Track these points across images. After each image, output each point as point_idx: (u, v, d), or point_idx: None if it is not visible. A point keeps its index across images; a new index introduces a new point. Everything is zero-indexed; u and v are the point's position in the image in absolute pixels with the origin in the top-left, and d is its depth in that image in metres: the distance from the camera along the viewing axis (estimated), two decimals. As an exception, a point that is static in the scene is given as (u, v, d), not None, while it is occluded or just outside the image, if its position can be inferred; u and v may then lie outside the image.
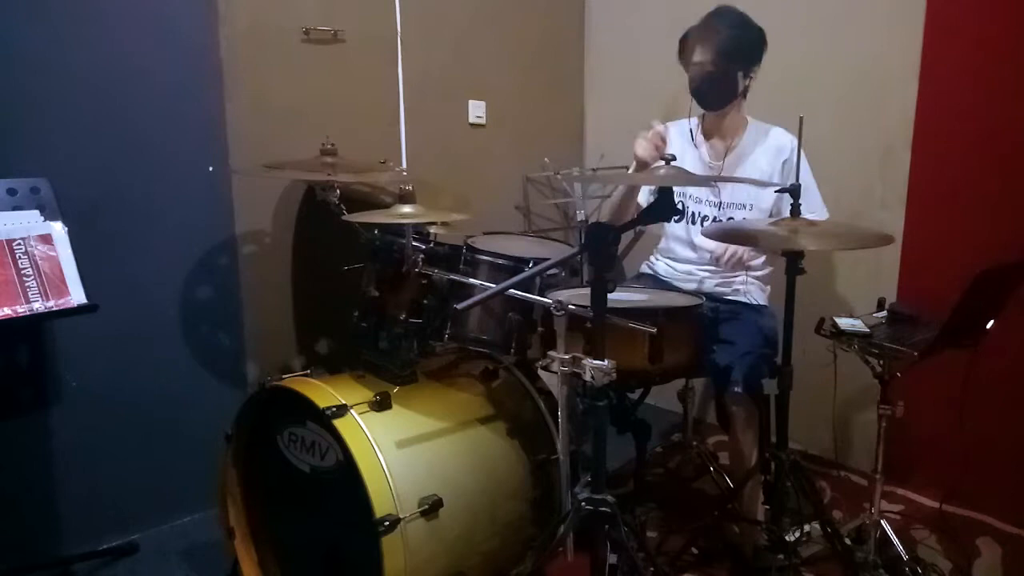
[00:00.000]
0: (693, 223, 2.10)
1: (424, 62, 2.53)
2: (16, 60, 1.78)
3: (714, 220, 2.08)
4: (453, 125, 2.70)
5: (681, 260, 2.15)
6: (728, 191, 2.05)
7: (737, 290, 2.07)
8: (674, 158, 1.36)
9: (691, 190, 2.09)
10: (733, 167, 2.04)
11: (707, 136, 2.10)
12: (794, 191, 1.65)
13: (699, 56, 1.92)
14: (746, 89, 2.00)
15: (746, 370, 1.83)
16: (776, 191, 1.94)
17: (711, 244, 1.99)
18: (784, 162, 2.00)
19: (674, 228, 2.16)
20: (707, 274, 2.09)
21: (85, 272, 1.59)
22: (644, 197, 2.08)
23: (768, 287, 2.12)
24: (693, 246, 2.11)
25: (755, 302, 2.07)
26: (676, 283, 2.13)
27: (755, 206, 2.04)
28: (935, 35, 2.18)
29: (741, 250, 1.92)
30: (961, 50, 2.14)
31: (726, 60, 1.90)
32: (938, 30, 2.17)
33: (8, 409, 1.87)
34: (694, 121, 2.12)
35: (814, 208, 1.94)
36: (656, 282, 2.17)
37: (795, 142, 1.93)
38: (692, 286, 2.08)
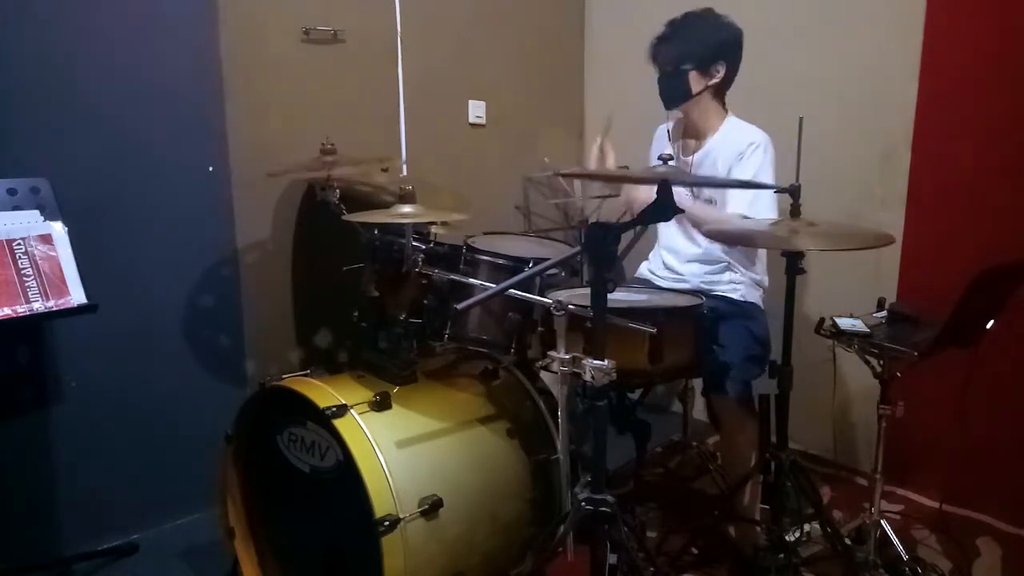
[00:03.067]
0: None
1: (424, 62, 2.53)
2: (16, 60, 1.78)
3: None
4: (453, 125, 2.70)
5: (676, 256, 2.15)
6: (700, 188, 2.07)
7: (724, 284, 2.06)
8: (671, 157, 1.36)
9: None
10: (699, 164, 2.06)
11: (682, 135, 2.13)
12: (794, 192, 1.64)
13: (658, 58, 2.01)
14: (714, 88, 2.00)
15: (734, 374, 1.82)
16: (775, 191, 1.94)
17: (694, 249, 2.04)
18: (740, 155, 1.97)
19: (666, 227, 2.17)
20: (697, 269, 2.09)
21: (85, 272, 1.59)
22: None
23: (761, 289, 2.10)
24: (689, 237, 2.11)
25: (744, 299, 2.04)
26: (664, 283, 2.14)
27: (720, 202, 2.03)
28: (935, 35, 2.18)
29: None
30: (961, 50, 2.14)
31: (676, 61, 1.97)
32: (938, 30, 2.17)
33: (8, 409, 1.87)
34: (672, 122, 2.17)
35: (761, 210, 1.90)
36: (652, 284, 2.17)
37: (765, 139, 1.95)
38: (681, 285, 2.08)
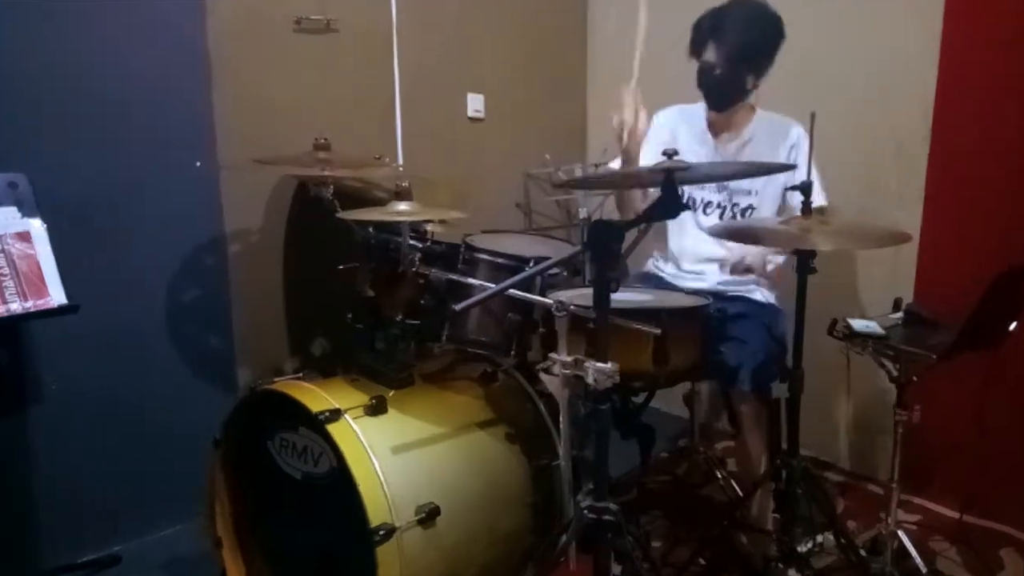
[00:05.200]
0: (695, 209, 2.08)
1: (421, 53, 2.52)
2: (-4, 53, 1.77)
3: (718, 206, 2.06)
4: (451, 119, 2.69)
5: (690, 253, 2.11)
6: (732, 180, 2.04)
7: (744, 286, 2.04)
8: (676, 153, 1.32)
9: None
10: (735, 152, 2.03)
11: (717, 130, 2.07)
12: (806, 188, 1.62)
13: (710, 55, 1.89)
14: (756, 87, 1.98)
15: (755, 368, 1.80)
16: (788, 188, 1.91)
17: (721, 252, 2.00)
18: (792, 147, 1.99)
19: (682, 218, 2.12)
20: (714, 269, 2.06)
21: (67, 271, 1.57)
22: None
23: (775, 289, 2.08)
24: (703, 235, 2.07)
25: (763, 300, 2.05)
26: (681, 281, 2.10)
27: (760, 192, 2.01)
28: (955, 25, 2.14)
29: (750, 259, 1.92)
30: (982, 40, 2.11)
31: (738, 64, 1.88)
32: (958, 19, 2.13)
33: (-16, 413, 1.86)
34: (704, 110, 2.08)
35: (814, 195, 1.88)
36: (660, 282, 2.14)
37: (803, 133, 1.94)
38: (699, 284, 2.05)
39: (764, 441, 1.85)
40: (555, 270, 1.70)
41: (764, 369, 1.82)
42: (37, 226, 1.56)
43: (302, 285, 2.33)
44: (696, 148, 2.02)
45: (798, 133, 1.97)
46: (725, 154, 2.05)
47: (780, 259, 2.00)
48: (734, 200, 2.03)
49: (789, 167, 1.78)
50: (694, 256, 2.09)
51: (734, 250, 1.99)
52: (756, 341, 1.85)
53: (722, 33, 1.87)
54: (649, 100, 1.95)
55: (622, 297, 1.71)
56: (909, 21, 2.23)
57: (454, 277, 1.66)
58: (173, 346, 2.11)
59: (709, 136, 2.06)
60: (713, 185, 2.05)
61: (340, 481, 1.43)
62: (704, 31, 1.90)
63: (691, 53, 1.94)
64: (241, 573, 1.73)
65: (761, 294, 2.05)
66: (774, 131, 2.00)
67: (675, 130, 2.09)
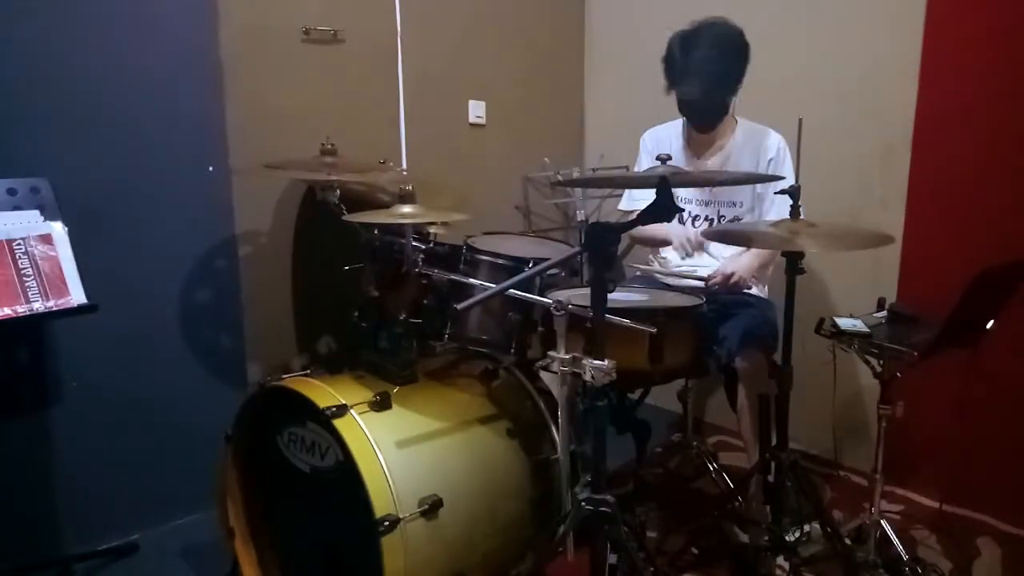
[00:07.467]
0: (682, 223, 2.12)
1: (424, 62, 2.54)
2: (15, 60, 1.79)
3: (706, 219, 2.10)
4: (453, 125, 2.71)
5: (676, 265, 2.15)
6: (717, 189, 2.07)
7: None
8: (669, 157, 1.36)
9: (680, 190, 2.10)
10: (719, 166, 2.06)
11: (697, 145, 2.11)
12: (794, 192, 1.65)
13: (688, 90, 1.90)
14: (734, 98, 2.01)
15: (742, 334, 1.87)
16: (776, 192, 1.95)
17: (709, 261, 2.04)
18: (770, 161, 2.02)
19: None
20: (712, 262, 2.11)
21: (85, 272, 1.59)
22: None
23: (765, 286, 2.13)
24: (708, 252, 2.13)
25: (758, 293, 2.09)
26: (676, 279, 2.13)
27: (744, 203, 2.05)
28: (935, 33, 2.17)
29: (739, 275, 1.94)
30: (962, 48, 2.14)
31: (715, 91, 1.92)
32: (938, 28, 2.16)
33: (8, 409, 1.87)
34: (680, 128, 2.14)
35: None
36: (656, 281, 2.17)
37: (783, 143, 1.97)
38: (692, 281, 2.08)
39: (755, 427, 1.85)
40: (554, 271, 1.72)
41: (762, 336, 1.87)
42: (58, 229, 1.59)
43: (310, 285, 2.34)
44: (671, 152, 2.08)
45: (777, 145, 2.01)
46: (702, 158, 2.09)
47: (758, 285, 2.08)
48: (720, 212, 2.08)
49: (776, 178, 1.81)
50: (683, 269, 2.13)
51: (726, 267, 2.00)
52: (754, 315, 1.92)
53: (696, 66, 1.86)
54: (635, 117, 2.00)
55: (619, 297, 1.75)
56: (892, 30, 2.26)
57: (456, 277, 1.67)
58: (186, 345, 2.13)
59: (687, 154, 2.10)
60: (699, 199, 2.09)
61: (346, 474, 1.44)
62: (677, 66, 1.90)
63: (668, 89, 1.94)
64: (252, 562, 1.75)
65: (756, 289, 2.09)
66: (753, 142, 2.03)
67: (659, 142, 2.15)
